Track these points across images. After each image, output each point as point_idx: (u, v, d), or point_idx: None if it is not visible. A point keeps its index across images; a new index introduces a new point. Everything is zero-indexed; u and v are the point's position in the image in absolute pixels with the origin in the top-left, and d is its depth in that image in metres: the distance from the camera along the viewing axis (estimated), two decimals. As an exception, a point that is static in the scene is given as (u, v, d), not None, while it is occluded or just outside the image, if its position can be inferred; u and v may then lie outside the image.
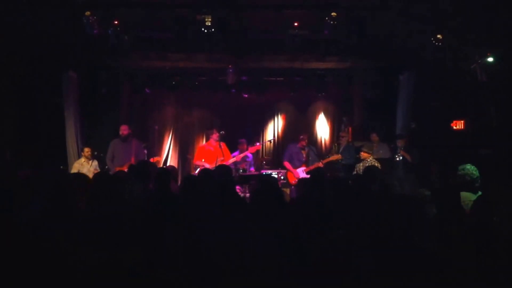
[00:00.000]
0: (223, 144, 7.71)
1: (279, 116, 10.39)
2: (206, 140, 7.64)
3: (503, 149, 6.94)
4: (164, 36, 7.20)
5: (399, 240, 2.37)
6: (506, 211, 2.91)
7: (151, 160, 7.83)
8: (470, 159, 4.56)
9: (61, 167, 7.32)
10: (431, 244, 2.76)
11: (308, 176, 7.29)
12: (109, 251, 2.43)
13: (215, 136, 7.65)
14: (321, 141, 10.27)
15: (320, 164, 7.34)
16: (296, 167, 7.53)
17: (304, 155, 7.59)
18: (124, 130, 7.47)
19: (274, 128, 10.40)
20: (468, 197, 3.95)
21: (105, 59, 8.05)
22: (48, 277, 2.21)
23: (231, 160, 7.55)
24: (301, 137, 7.73)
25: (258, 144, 9.04)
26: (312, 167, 7.36)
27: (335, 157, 7.55)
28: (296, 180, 7.39)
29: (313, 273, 2.21)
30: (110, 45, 6.53)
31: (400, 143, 7.50)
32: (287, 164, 7.65)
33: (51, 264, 2.26)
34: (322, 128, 10.29)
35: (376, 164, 6.58)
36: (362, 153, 6.84)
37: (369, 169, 5.36)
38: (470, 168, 4.13)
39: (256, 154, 9.04)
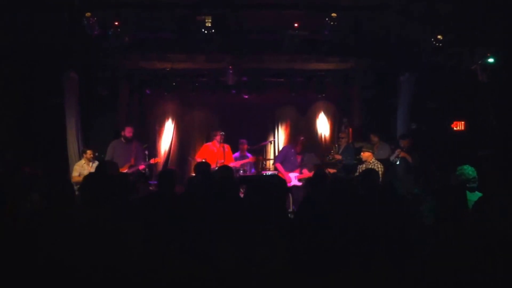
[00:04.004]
0: (227, 147, 7.71)
1: (280, 116, 10.38)
2: (210, 141, 7.71)
3: (503, 150, 6.94)
4: (164, 37, 7.21)
5: (396, 239, 2.38)
6: (509, 211, 2.90)
7: (151, 161, 7.85)
8: (469, 160, 4.57)
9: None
10: (430, 244, 2.76)
11: (300, 184, 7.22)
12: (109, 251, 2.43)
13: (218, 137, 7.69)
14: (321, 142, 10.27)
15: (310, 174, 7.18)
16: (287, 170, 7.37)
17: (299, 160, 7.39)
18: (129, 132, 7.53)
19: (275, 128, 10.39)
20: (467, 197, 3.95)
21: (105, 60, 8.05)
22: (46, 276, 2.21)
23: (231, 165, 7.48)
24: (302, 138, 7.64)
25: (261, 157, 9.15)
26: (303, 176, 7.23)
27: (337, 157, 7.54)
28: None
29: (312, 273, 2.21)
30: (110, 46, 6.54)
31: (403, 143, 7.40)
32: (279, 166, 7.44)
33: (48, 263, 2.26)
34: (322, 129, 10.28)
35: (378, 166, 6.54)
36: (363, 153, 6.76)
37: (367, 172, 5.26)
38: (467, 169, 4.14)
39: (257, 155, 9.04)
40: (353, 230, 2.67)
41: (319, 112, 10.26)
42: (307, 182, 4.77)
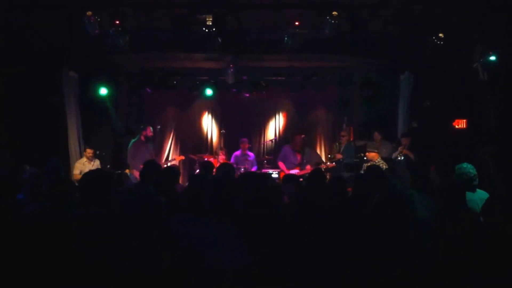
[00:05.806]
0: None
1: (280, 115, 10.38)
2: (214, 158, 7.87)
3: (504, 148, 6.91)
4: (163, 37, 7.21)
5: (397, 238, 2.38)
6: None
7: (177, 158, 8.19)
8: (470, 159, 4.54)
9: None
10: (431, 243, 2.76)
11: (301, 180, 7.24)
12: (109, 251, 2.44)
13: (221, 158, 7.75)
14: (321, 141, 10.27)
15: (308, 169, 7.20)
16: (289, 168, 7.41)
17: (299, 158, 7.42)
18: (150, 131, 7.66)
19: (275, 127, 10.39)
20: (467, 196, 3.94)
21: (105, 59, 8.06)
22: (44, 276, 2.22)
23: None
24: (302, 136, 7.63)
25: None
26: (303, 172, 7.25)
27: (337, 155, 7.52)
28: None
29: (308, 272, 2.21)
30: (110, 45, 6.54)
31: (404, 141, 7.44)
32: (281, 164, 7.57)
33: (45, 263, 2.26)
34: (323, 128, 10.28)
35: (384, 166, 6.46)
36: (368, 153, 6.69)
37: (372, 168, 5.22)
38: (467, 167, 4.10)
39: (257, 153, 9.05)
40: (352, 229, 2.67)
41: (319, 111, 10.25)
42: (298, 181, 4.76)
